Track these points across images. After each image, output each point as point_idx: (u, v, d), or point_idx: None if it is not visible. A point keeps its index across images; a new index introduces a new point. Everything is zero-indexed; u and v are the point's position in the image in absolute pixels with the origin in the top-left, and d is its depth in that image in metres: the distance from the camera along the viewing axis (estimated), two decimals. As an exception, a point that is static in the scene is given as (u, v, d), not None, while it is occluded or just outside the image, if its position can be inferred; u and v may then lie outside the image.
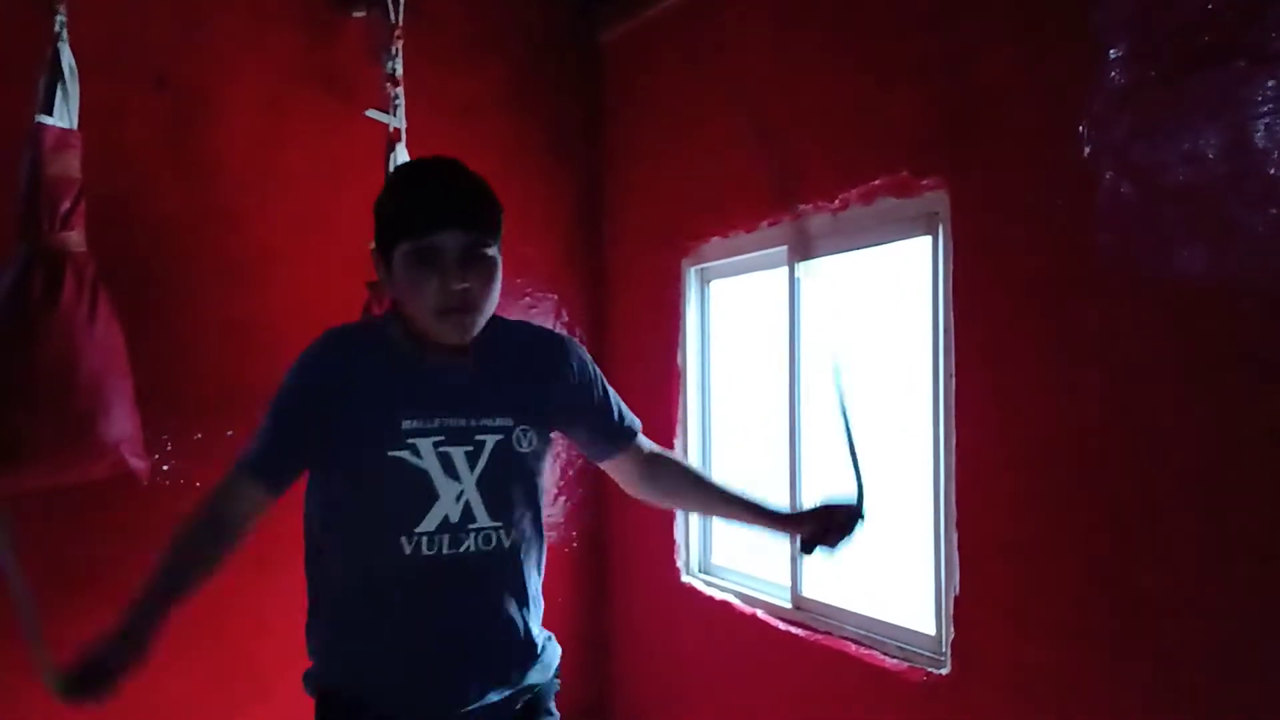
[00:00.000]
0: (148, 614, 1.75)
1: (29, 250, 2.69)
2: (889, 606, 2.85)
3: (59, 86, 2.75)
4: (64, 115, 2.75)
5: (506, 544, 1.78)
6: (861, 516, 1.91)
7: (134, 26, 3.28)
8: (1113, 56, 2.12)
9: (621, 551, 4.09)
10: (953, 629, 2.49)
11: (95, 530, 3.21)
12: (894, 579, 2.96)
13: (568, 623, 3.94)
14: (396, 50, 3.31)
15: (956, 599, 2.48)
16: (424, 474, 1.71)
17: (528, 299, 4.07)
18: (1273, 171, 1.84)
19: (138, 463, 2.84)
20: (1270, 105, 1.84)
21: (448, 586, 1.75)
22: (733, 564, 3.60)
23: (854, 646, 2.82)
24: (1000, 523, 2.38)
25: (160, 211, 3.31)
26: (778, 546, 3.23)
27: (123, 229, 3.17)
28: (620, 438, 2.01)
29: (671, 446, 3.72)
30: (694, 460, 3.70)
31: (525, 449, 1.80)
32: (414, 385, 1.75)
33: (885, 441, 3.05)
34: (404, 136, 3.27)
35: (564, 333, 1.98)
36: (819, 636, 2.95)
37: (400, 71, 3.31)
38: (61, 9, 2.76)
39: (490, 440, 1.76)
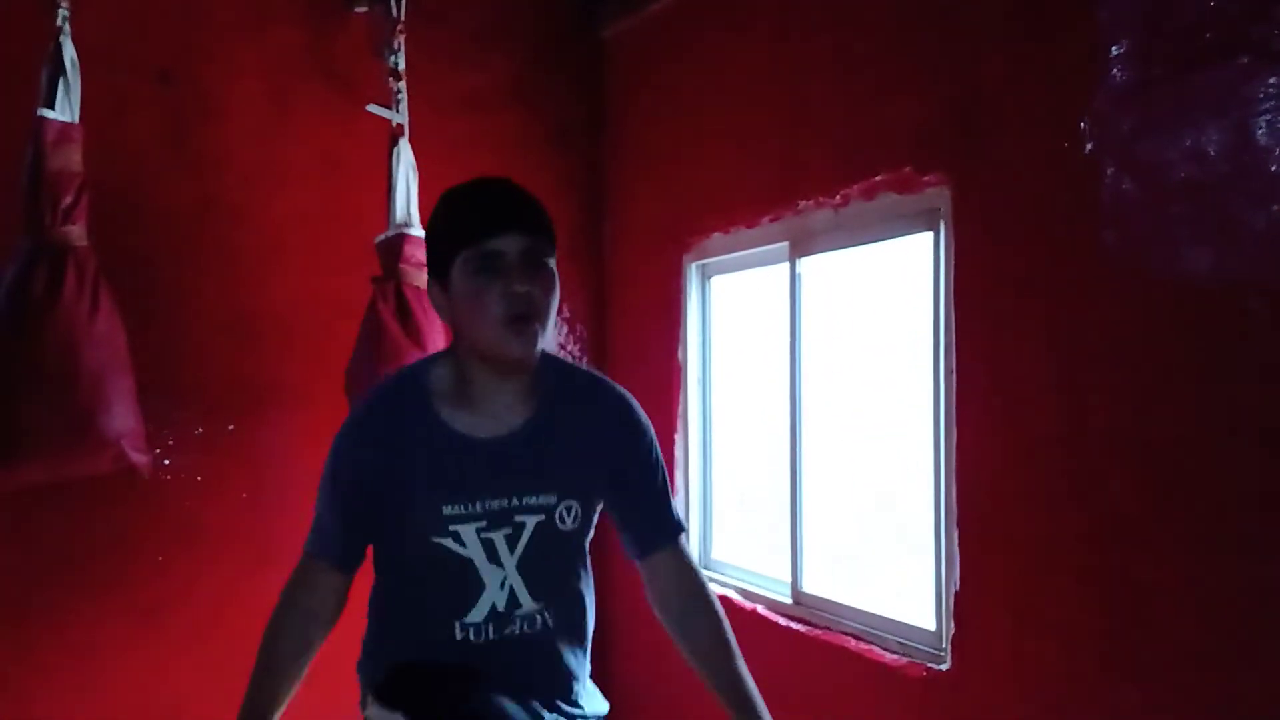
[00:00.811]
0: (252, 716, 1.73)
1: (31, 245, 2.69)
2: (889, 602, 2.86)
3: (61, 80, 2.76)
4: (66, 109, 2.76)
5: (551, 624, 1.76)
6: None
7: (136, 20, 3.28)
8: (1115, 53, 2.11)
9: (619, 546, 4.09)
10: (953, 624, 2.49)
11: (97, 525, 3.22)
12: (894, 574, 2.97)
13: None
14: (399, 45, 3.31)
15: (957, 595, 2.48)
16: (468, 563, 1.69)
17: (529, 294, 4.06)
18: (1275, 169, 1.83)
19: (139, 457, 2.84)
20: (1273, 102, 1.83)
21: (495, 666, 1.72)
22: (733, 559, 3.61)
23: (854, 642, 2.82)
24: (1001, 519, 2.38)
25: (163, 205, 3.32)
26: (779, 542, 3.24)
27: (125, 223, 3.18)
28: (659, 539, 1.87)
29: (673, 442, 3.72)
30: (693, 458, 3.70)
31: (568, 527, 1.75)
32: (456, 465, 1.69)
33: (886, 438, 3.06)
34: (406, 131, 3.27)
35: (632, 400, 1.87)
36: (819, 632, 2.95)
37: (402, 66, 3.31)
38: (64, 3, 2.76)
39: (531, 521, 1.71)
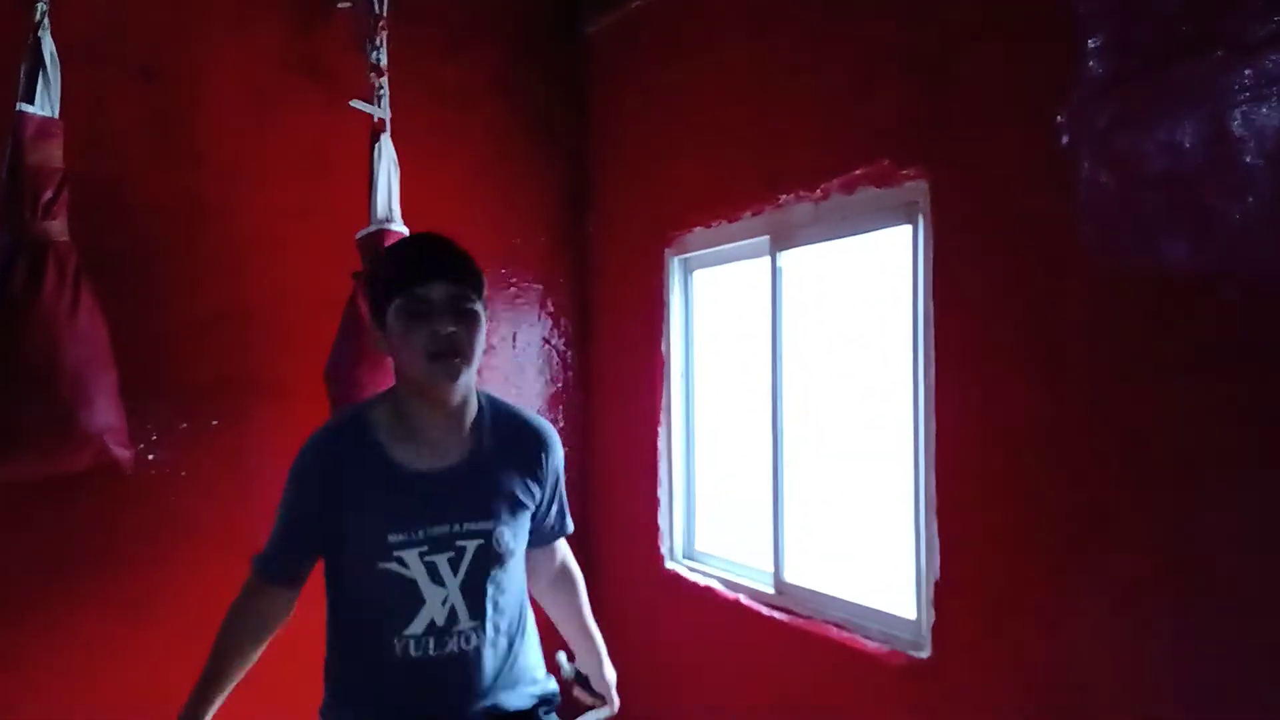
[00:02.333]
0: (196, 710, 1.91)
1: (11, 240, 2.68)
2: (870, 591, 2.88)
3: (40, 75, 2.74)
4: (45, 104, 2.74)
5: (484, 640, 1.93)
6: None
7: (117, 15, 3.27)
8: (1092, 46, 2.13)
9: (606, 538, 4.11)
10: (933, 613, 2.51)
11: (80, 521, 3.21)
12: (875, 564, 2.99)
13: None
14: (381, 41, 3.30)
15: (937, 584, 2.51)
16: (411, 583, 1.86)
17: (513, 289, 4.07)
18: (1250, 160, 1.85)
19: (122, 452, 2.83)
20: (1248, 94, 1.85)
21: (435, 681, 1.91)
22: (716, 550, 3.63)
23: (836, 631, 2.84)
24: (980, 509, 2.40)
25: (144, 201, 3.31)
26: (762, 533, 3.26)
27: (106, 218, 3.16)
28: (555, 536, 2.20)
29: (656, 434, 3.74)
30: (677, 449, 3.72)
31: (501, 549, 1.94)
32: (399, 496, 1.88)
33: (865, 429, 3.08)
34: (389, 127, 3.26)
35: (550, 428, 2.12)
36: (801, 621, 2.97)
37: (385, 62, 3.30)
38: (43, -3, 2.75)
39: (471, 545, 1.90)
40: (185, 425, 3.37)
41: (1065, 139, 2.18)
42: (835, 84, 2.86)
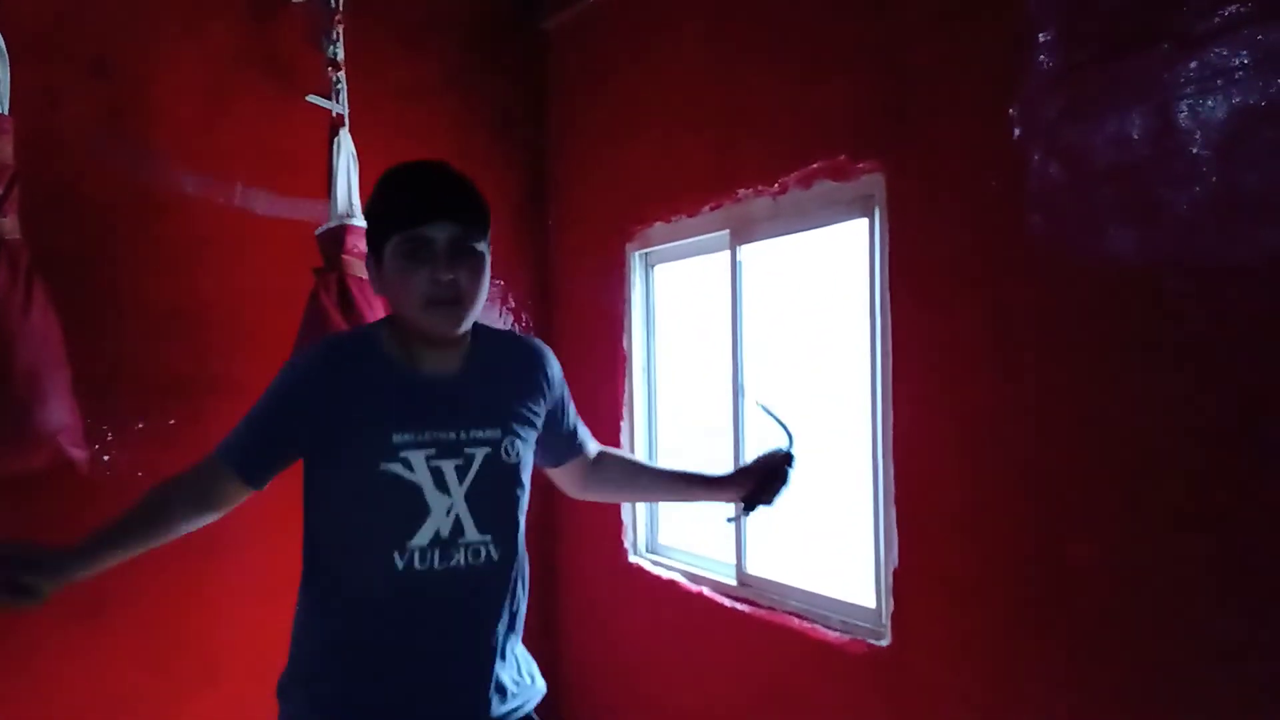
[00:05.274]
0: (97, 547, 1.73)
1: (-39, 238, 2.64)
2: (831, 581, 2.90)
3: (-11, 71, 2.71)
4: (-5, 100, 2.71)
5: (495, 558, 1.80)
6: (792, 460, 2.07)
7: (69, 9, 3.22)
8: (1042, 40, 2.17)
9: (570, 533, 4.12)
10: (892, 602, 2.54)
11: (34, 522, 3.16)
12: (835, 554, 3.02)
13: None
14: (337, 35, 3.29)
15: (896, 573, 2.53)
16: (416, 488, 1.73)
17: (473, 284, 4.06)
18: (1195, 151, 1.89)
19: (77, 453, 2.80)
20: (1193, 87, 1.89)
21: (439, 601, 1.76)
22: (679, 543, 3.64)
23: (797, 621, 2.86)
24: (937, 498, 2.43)
25: (97, 198, 3.26)
26: (722, 526, 3.28)
27: (59, 216, 3.12)
28: (577, 443, 2.10)
29: (619, 429, 3.75)
30: (639, 444, 3.73)
31: (512, 460, 1.83)
32: (405, 398, 1.76)
33: (825, 420, 3.10)
34: (347, 122, 3.25)
35: (541, 341, 2.06)
36: (763, 612, 2.99)
37: (341, 56, 3.29)
38: (-9, -8, 2.72)
39: (479, 453, 1.78)
40: (142, 425, 3.33)
41: (1017, 132, 2.21)
42: (792, 78, 2.88)
